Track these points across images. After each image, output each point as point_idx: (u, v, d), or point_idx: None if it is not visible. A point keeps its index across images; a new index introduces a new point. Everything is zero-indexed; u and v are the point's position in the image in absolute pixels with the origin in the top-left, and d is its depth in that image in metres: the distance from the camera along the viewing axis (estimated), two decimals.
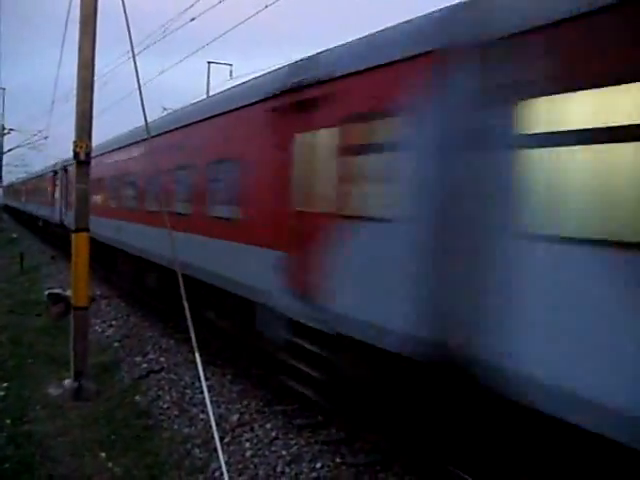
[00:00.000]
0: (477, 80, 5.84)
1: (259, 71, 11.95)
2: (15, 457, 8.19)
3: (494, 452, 6.38)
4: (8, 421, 9.35)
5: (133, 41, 9.53)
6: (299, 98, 8.75)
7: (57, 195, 33.79)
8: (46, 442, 8.68)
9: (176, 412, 9.80)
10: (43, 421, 9.48)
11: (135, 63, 8.95)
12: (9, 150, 62.50)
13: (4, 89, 62.50)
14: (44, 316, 16.75)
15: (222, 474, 7.48)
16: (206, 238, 12.01)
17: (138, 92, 8.62)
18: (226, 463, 7.18)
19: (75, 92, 11.27)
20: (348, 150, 7.74)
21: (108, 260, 22.04)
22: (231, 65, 43.76)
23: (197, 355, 7.38)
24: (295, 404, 9.67)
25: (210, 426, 7.35)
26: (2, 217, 59.82)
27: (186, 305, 7.70)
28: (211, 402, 7.57)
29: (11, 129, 59.73)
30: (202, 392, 10.05)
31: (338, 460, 7.98)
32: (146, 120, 8.86)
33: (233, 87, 12.85)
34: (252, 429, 8.94)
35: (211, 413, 7.03)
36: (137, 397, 10.58)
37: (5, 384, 11.04)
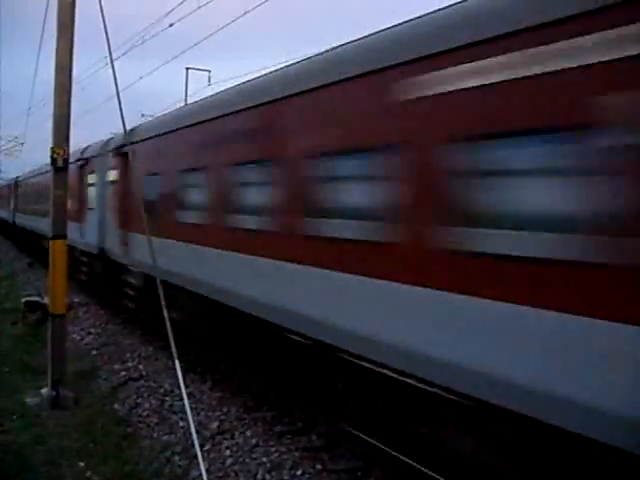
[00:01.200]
0: None
1: (238, 77, 11.89)
2: None
3: None
4: None
5: (111, 46, 9.47)
6: None
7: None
8: (23, 452, 8.57)
9: (155, 420, 9.73)
10: (20, 431, 9.35)
11: (113, 69, 8.91)
12: None
13: None
14: (20, 324, 16.57)
15: None
16: None
17: (116, 98, 8.56)
18: (206, 471, 7.12)
19: (52, 97, 11.18)
20: None
21: None
22: (209, 71, 43.78)
23: (177, 362, 7.33)
24: (275, 411, 9.65)
25: (190, 433, 7.29)
26: None
27: (165, 312, 7.64)
28: (191, 409, 7.51)
29: None
30: (182, 399, 9.98)
31: (319, 467, 7.96)
32: (124, 126, 8.80)
33: None
34: (232, 436, 8.90)
35: (191, 420, 6.98)
36: (116, 405, 10.50)
37: None
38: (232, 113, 10.38)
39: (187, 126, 12.31)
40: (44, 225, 20.17)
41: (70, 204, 11.96)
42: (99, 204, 18.60)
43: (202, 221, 11.26)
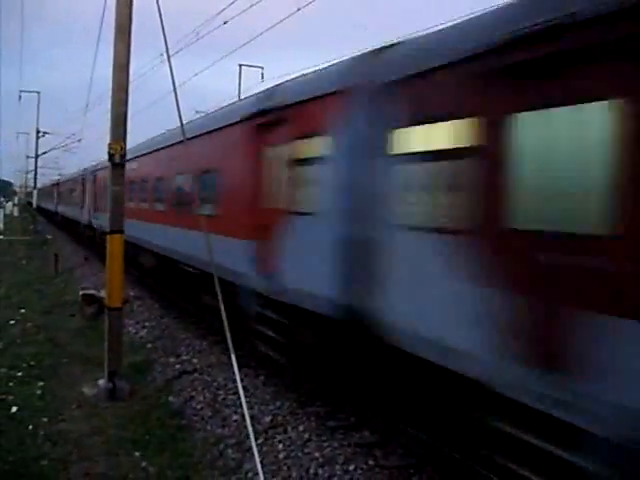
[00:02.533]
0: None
1: (290, 74, 11.92)
2: (52, 454, 8.31)
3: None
4: (45, 419, 9.48)
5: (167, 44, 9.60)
6: None
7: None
8: (82, 441, 8.79)
9: (209, 413, 9.85)
10: (78, 420, 9.59)
11: (170, 65, 9.02)
12: (44, 153, 63.45)
13: (39, 93, 63.43)
14: (78, 317, 16.94)
15: (255, 475, 7.52)
16: None
17: (173, 94, 8.67)
18: (260, 464, 7.18)
19: (109, 94, 11.38)
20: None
21: None
22: (262, 68, 43.93)
23: (233, 356, 7.40)
24: (328, 406, 9.67)
25: (244, 427, 7.37)
26: (36, 219, 60.60)
27: (222, 307, 7.72)
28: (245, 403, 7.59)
29: (45, 132, 60.65)
30: (235, 393, 10.13)
31: (371, 462, 7.95)
32: (182, 122, 8.91)
33: None
34: (285, 431, 8.95)
35: (247, 414, 7.05)
36: (170, 398, 10.66)
37: (41, 383, 11.20)
38: None
39: None
40: (154, 236, 18.73)
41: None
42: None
43: None
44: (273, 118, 10.29)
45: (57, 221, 58.59)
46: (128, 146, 11.33)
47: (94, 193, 31.47)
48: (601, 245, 4.88)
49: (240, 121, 11.85)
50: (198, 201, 13.01)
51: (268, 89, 11.35)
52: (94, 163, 33.33)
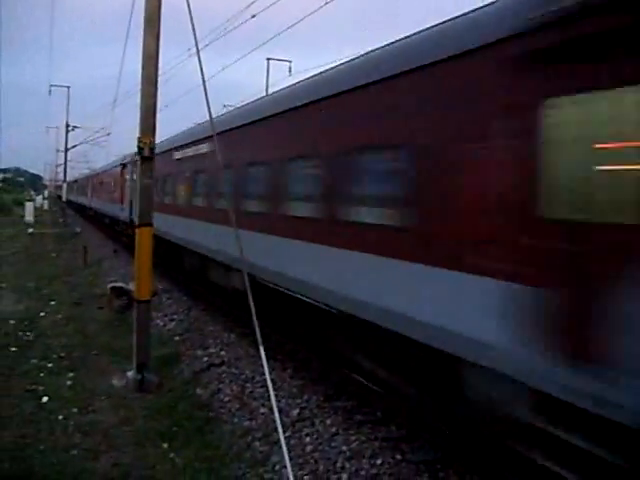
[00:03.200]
0: None
1: (318, 67, 11.79)
2: (82, 444, 8.40)
3: None
4: (74, 410, 9.58)
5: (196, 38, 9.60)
6: None
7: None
8: (111, 431, 8.87)
9: (237, 405, 9.88)
10: (107, 411, 9.68)
11: (199, 59, 9.02)
12: (73, 147, 64.00)
13: (69, 87, 63.99)
14: (107, 309, 17.09)
15: (282, 467, 7.54)
16: None
17: (202, 87, 8.68)
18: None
19: (138, 88, 11.45)
20: None
21: None
22: (290, 62, 43.88)
23: (261, 349, 7.40)
24: (355, 400, 9.66)
25: (273, 420, 7.38)
26: (66, 212, 61.20)
27: (251, 300, 7.73)
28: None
29: (75, 126, 61.19)
30: (263, 386, 10.17)
31: (398, 457, 7.94)
32: (211, 115, 8.92)
33: None
34: (312, 424, 8.96)
35: (275, 407, 7.05)
36: (198, 390, 10.71)
37: (71, 374, 11.31)
38: None
39: None
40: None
41: None
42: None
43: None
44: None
45: (90, 216, 58.55)
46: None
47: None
48: None
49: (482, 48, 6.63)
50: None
51: None
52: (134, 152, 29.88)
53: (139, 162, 11.26)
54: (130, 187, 28.32)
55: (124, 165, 31.57)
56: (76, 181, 77.89)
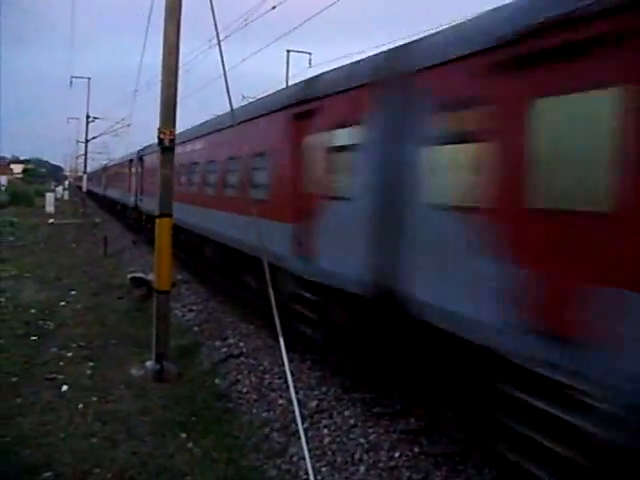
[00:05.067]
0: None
1: (338, 59, 11.90)
2: (101, 433, 8.45)
3: None
4: (94, 399, 9.64)
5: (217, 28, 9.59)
6: None
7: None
8: (129, 421, 8.91)
9: (255, 396, 9.90)
10: (127, 400, 9.73)
11: (220, 49, 9.03)
12: (93, 138, 64.40)
13: (89, 79, 64.28)
14: (126, 299, 17.19)
15: (300, 459, 7.55)
16: None
17: (223, 78, 8.68)
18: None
19: (158, 79, 11.46)
20: None
21: None
22: (310, 53, 43.83)
23: (281, 340, 7.42)
24: (373, 392, 9.64)
25: (291, 411, 7.39)
26: (86, 203, 61.64)
27: (270, 291, 7.73)
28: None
29: (95, 117, 61.52)
30: (281, 377, 10.18)
31: (416, 450, 7.90)
32: (232, 106, 8.91)
33: None
34: (331, 416, 8.95)
35: (294, 398, 7.06)
36: (217, 380, 10.74)
37: (91, 363, 11.39)
38: None
39: None
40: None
41: None
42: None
43: None
44: None
45: (106, 204, 59.28)
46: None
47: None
48: None
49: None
50: None
51: None
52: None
53: (137, 158, 11.30)
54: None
55: (131, 160, 37.62)
56: (95, 172, 78.54)
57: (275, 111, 12.54)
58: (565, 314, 5.67)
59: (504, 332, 6.32)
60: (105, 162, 73.39)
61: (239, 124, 12.58)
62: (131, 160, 37.53)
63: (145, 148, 32.07)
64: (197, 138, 20.20)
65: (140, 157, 32.65)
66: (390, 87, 8.50)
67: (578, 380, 5.56)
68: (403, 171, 8.10)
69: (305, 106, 10.91)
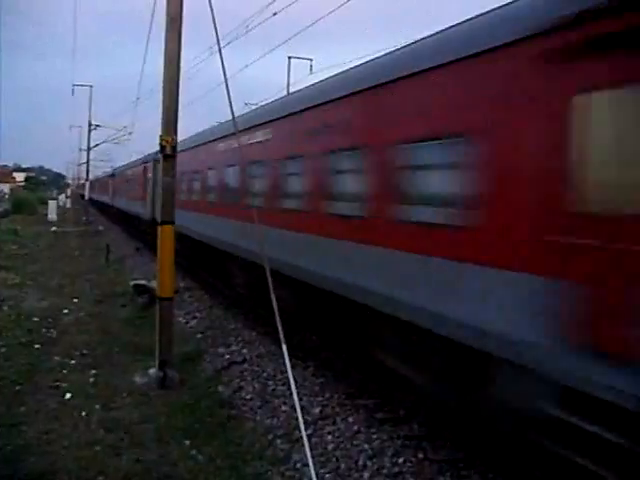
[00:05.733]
0: None
1: (339, 65, 11.83)
2: (105, 440, 8.44)
3: None
4: (97, 406, 9.63)
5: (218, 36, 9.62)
6: None
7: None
8: (133, 428, 8.90)
9: (258, 403, 9.90)
10: (130, 408, 9.72)
11: (221, 56, 9.05)
12: (95, 145, 64.37)
13: (91, 86, 64.39)
14: (129, 306, 17.19)
15: (304, 466, 7.54)
16: None
17: (224, 85, 8.70)
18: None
19: (160, 87, 11.48)
20: None
21: None
22: (311, 60, 43.71)
23: (284, 347, 7.42)
24: (377, 398, 9.64)
25: (294, 417, 7.39)
26: (88, 210, 61.67)
27: (273, 298, 7.73)
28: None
29: (97, 125, 61.59)
30: (284, 384, 10.18)
31: (420, 455, 7.92)
32: (233, 113, 8.94)
33: None
34: (334, 422, 8.95)
35: (297, 405, 7.06)
36: (220, 387, 10.73)
37: (94, 371, 11.38)
38: None
39: None
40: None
41: None
42: None
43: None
44: None
45: (112, 214, 58.88)
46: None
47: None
48: None
49: None
50: None
51: None
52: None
53: (154, 161, 11.31)
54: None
55: (145, 164, 34.18)
56: (97, 180, 78.65)
57: (487, 51, 6.97)
58: None
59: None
60: (110, 167, 73.35)
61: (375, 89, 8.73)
62: (145, 164, 32.35)
63: None
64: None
65: (157, 160, 30.08)
66: None
67: None
68: None
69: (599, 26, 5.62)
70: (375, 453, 7.97)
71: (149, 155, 31.48)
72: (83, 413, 9.36)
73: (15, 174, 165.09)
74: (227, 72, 8.98)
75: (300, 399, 9.51)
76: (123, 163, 53.22)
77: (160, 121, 11.27)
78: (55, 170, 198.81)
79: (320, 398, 9.82)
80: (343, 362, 11.20)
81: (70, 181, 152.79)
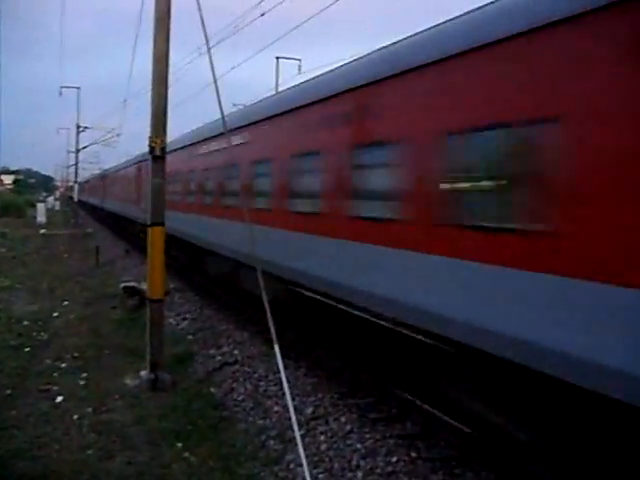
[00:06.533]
0: None
1: (328, 65, 11.77)
2: (97, 443, 8.40)
3: None
4: (89, 409, 9.59)
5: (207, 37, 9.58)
6: None
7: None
8: (125, 431, 8.87)
9: (251, 404, 9.87)
10: (121, 410, 9.68)
11: (210, 57, 9.01)
12: (84, 147, 64.24)
13: (79, 88, 64.13)
14: (119, 309, 17.13)
15: (297, 466, 7.52)
16: None
17: (214, 86, 8.66)
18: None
19: (149, 88, 11.45)
20: None
21: None
22: (300, 60, 43.68)
23: (276, 347, 7.39)
24: (369, 397, 9.63)
25: (287, 418, 7.37)
26: (78, 213, 61.46)
27: (265, 299, 7.71)
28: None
29: (86, 127, 61.40)
30: (276, 384, 10.16)
31: (414, 454, 7.90)
32: (223, 115, 8.90)
33: None
34: (327, 422, 8.93)
35: (290, 405, 7.04)
36: (212, 389, 10.71)
37: (85, 374, 11.34)
38: None
39: None
40: None
41: None
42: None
43: None
44: None
45: (102, 217, 58.33)
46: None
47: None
48: None
49: None
50: None
51: None
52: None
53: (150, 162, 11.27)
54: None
55: (140, 164, 33.42)
56: (87, 182, 78.32)
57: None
58: None
59: None
60: (99, 169, 73.01)
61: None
62: (140, 163, 29.83)
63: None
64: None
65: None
66: None
67: None
68: None
69: None
70: (368, 452, 7.95)
71: (146, 153, 29.43)
72: (74, 416, 9.32)
73: (3, 177, 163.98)
74: (216, 73, 8.94)
75: (292, 399, 9.50)
76: (112, 165, 52.98)
77: (149, 122, 11.24)
78: (43, 172, 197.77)
79: (312, 398, 9.80)
80: (335, 362, 11.18)
81: (59, 183, 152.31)
